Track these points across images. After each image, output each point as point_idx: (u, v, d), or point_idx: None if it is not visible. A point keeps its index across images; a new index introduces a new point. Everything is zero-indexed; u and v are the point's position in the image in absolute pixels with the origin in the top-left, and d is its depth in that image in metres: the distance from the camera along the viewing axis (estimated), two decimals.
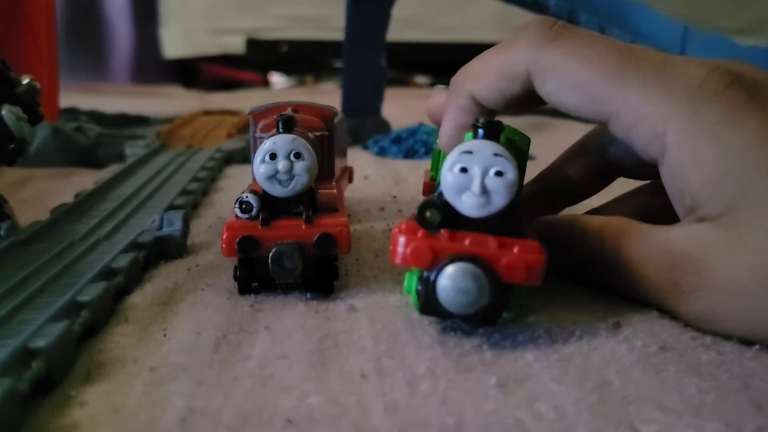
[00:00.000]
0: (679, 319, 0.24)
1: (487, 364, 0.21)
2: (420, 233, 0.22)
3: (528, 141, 0.28)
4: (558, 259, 0.25)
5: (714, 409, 0.18)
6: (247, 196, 0.26)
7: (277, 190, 0.26)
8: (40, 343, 0.20)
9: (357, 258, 0.32)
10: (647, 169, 0.26)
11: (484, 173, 0.21)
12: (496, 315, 0.22)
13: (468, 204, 0.22)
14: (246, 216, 0.26)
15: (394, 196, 0.46)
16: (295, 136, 0.26)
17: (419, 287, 0.22)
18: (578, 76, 0.24)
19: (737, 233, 0.22)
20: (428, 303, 0.22)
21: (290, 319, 0.25)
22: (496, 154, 0.21)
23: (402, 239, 0.22)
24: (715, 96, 0.22)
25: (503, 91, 0.26)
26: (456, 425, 0.18)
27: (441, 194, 0.22)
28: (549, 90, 0.25)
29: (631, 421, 0.18)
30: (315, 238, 0.25)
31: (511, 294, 0.22)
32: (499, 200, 0.22)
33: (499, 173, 0.21)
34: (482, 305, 0.21)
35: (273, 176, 0.26)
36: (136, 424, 0.18)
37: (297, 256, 0.25)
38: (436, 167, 0.33)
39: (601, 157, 0.30)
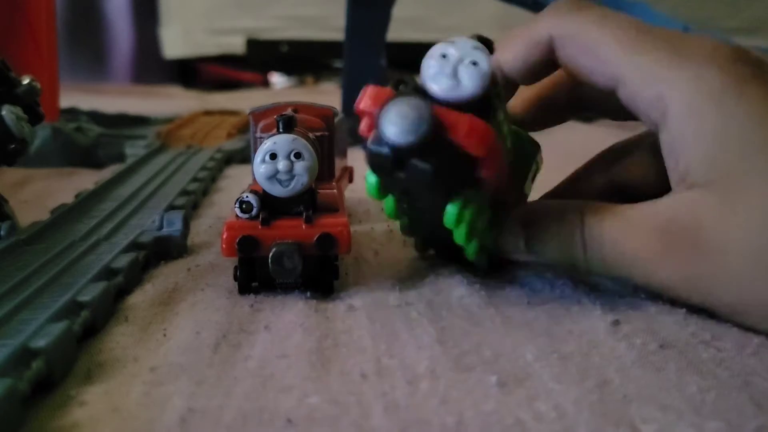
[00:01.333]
0: (653, 288, 0.24)
1: (487, 364, 0.21)
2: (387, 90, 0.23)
3: (538, 148, 0.28)
4: (540, 245, 0.26)
5: (714, 407, 0.18)
6: (247, 196, 0.26)
7: (277, 190, 0.26)
8: (40, 343, 0.20)
9: (357, 258, 0.32)
10: (656, 185, 0.27)
11: (460, 61, 0.23)
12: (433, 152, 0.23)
13: (439, 84, 0.23)
14: (246, 216, 0.26)
15: None
16: (295, 136, 0.26)
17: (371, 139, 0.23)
18: (595, 41, 0.25)
19: (731, 199, 0.22)
20: (374, 140, 0.23)
21: (290, 318, 0.25)
22: (476, 48, 0.23)
23: (368, 91, 0.24)
24: (722, 66, 0.23)
25: (526, 57, 0.26)
26: (456, 425, 0.18)
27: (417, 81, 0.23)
28: (567, 53, 0.25)
29: (631, 420, 0.18)
30: (315, 238, 0.25)
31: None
32: (470, 85, 0.22)
33: (474, 63, 0.23)
34: (422, 132, 0.22)
35: (273, 176, 0.26)
36: (136, 424, 0.18)
37: (297, 256, 0.25)
38: None
39: (608, 174, 0.30)
